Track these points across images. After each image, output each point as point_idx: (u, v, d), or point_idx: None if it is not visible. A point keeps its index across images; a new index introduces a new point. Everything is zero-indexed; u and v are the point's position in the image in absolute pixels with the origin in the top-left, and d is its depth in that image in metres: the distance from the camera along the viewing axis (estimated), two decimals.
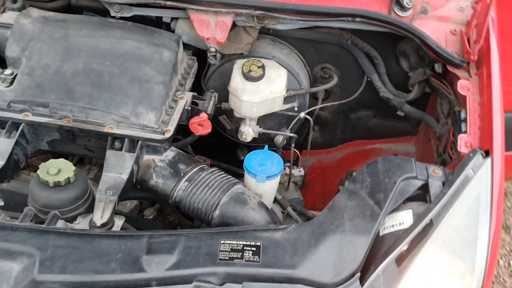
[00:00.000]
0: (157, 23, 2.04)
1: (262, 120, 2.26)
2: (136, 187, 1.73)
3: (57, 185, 1.47)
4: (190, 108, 1.83)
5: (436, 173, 1.59)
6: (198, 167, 1.72)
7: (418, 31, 1.86)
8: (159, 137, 1.66)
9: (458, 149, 1.68)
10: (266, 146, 1.83)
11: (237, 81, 1.95)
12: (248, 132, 2.02)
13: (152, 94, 1.73)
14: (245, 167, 1.73)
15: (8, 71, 1.73)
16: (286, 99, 2.14)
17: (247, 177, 1.75)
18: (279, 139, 2.20)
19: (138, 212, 1.99)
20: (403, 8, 1.94)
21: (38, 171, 1.47)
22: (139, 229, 1.68)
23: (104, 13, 1.99)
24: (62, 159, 1.52)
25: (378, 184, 1.57)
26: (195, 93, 1.90)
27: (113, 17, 1.96)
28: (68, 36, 1.81)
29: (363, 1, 1.93)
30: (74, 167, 1.52)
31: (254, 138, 2.09)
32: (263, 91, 1.94)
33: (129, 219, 1.69)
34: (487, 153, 1.61)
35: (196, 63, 2.04)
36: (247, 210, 1.60)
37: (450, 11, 2.00)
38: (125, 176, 1.58)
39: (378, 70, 2.26)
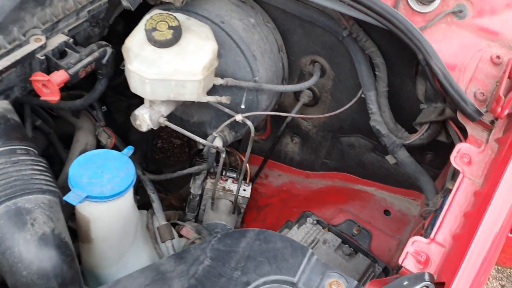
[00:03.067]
0: None
1: (193, 110, 1.60)
2: None
3: None
4: (44, 57, 1.22)
5: None
6: (10, 147, 1.12)
7: (416, 36, 1.08)
8: None
9: (399, 261, 0.92)
10: (129, 148, 1.19)
11: (135, 40, 1.30)
12: (144, 118, 1.38)
13: None
14: (69, 173, 1.11)
15: None
16: (223, 90, 1.46)
17: None
18: (210, 140, 1.53)
19: None
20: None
21: None
22: None
23: None
24: None
25: (218, 276, 0.87)
26: (71, 39, 1.29)
27: None
28: None
29: None
30: None
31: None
32: (163, 64, 1.27)
33: None
34: None
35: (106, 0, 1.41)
36: (20, 237, 0.99)
37: (505, 25, 1.17)
38: None
39: (377, 86, 1.49)
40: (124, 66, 1.38)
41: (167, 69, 1.26)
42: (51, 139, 1.65)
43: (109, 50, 1.34)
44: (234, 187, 1.79)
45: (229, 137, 1.59)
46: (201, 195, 1.78)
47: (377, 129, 1.49)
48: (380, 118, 1.49)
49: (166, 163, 2.32)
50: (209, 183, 1.76)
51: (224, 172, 1.82)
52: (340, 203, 1.87)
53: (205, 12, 1.43)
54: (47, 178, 1.11)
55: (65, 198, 1.06)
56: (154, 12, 1.31)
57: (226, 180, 1.81)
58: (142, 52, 1.27)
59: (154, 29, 1.26)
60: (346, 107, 1.56)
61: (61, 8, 1.30)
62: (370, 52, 1.46)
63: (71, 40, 1.30)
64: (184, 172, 1.74)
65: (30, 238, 0.99)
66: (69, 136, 1.69)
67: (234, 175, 1.83)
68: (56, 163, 1.63)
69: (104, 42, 1.35)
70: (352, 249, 1.63)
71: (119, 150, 1.70)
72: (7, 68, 1.16)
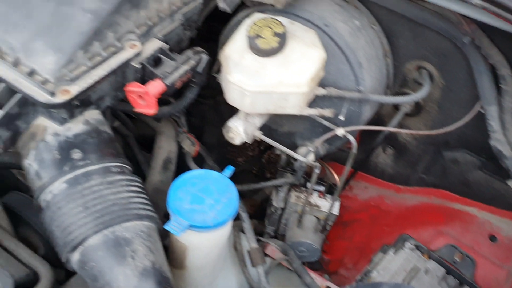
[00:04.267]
0: None
1: (285, 120, 1.47)
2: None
3: None
4: (140, 66, 1.12)
5: None
6: (104, 165, 1.03)
7: None
8: (42, 97, 0.99)
9: None
10: (230, 168, 1.07)
11: (235, 47, 1.17)
12: (238, 131, 1.25)
13: (67, 26, 1.05)
14: (168, 197, 1.00)
15: None
16: (321, 100, 1.32)
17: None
18: (303, 154, 1.39)
19: None
20: None
21: None
22: None
23: None
24: None
25: None
26: (166, 45, 1.18)
27: None
28: None
29: None
30: None
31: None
32: (267, 76, 1.14)
33: None
34: None
35: (202, 1, 1.30)
36: (119, 272, 0.89)
37: None
38: None
39: (501, 101, 1.30)
40: (216, 73, 1.26)
41: (271, 81, 1.13)
42: (129, 142, 1.57)
43: (204, 57, 1.22)
44: (320, 202, 1.65)
45: (322, 150, 1.45)
46: (283, 209, 1.65)
47: (498, 150, 1.31)
48: (503, 138, 1.30)
49: (235, 163, 2.21)
50: (293, 196, 1.63)
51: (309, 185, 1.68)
52: (439, 224, 1.69)
53: (307, 14, 1.29)
54: (144, 201, 1.01)
55: (166, 227, 0.95)
56: (256, 17, 1.18)
57: (312, 194, 1.67)
58: (243, 61, 1.15)
59: (258, 36, 1.13)
60: (461, 123, 1.38)
61: (155, 11, 1.19)
62: (495, 62, 1.27)
63: (166, 45, 1.19)
64: (269, 184, 1.61)
65: (131, 274, 0.89)
66: (146, 138, 1.61)
67: (321, 189, 1.68)
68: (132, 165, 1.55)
69: (199, 49, 1.23)
70: (457, 281, 1.46)
71: (202, 158, 1.63)
72: (103, 79, 1.06)
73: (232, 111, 1.31)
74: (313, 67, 1.15)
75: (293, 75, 1.14)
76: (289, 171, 1.63)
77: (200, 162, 1.62)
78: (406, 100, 1.42)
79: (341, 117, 1.36)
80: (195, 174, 1.04)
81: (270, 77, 1.13)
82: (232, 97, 1.19)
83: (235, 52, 1.16)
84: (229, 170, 1.07)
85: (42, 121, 1.07)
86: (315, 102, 1.33)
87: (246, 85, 1.13)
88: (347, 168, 1.40)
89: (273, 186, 1.63)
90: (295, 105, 1.19)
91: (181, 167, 1.62)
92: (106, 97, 1.14)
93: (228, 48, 1.18)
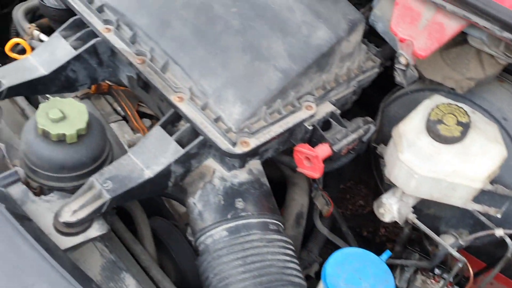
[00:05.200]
0: None
1: (433, 202, 1.40)
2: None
3: (60, 139, 0.98)
4: (312, 127, 1.13)
5: None
6: (263, 220, 1.04)
7: None
8: (224, 145, 1.03)
9: None
10: (387, 254, 1.03)
11: (411, 126, 1.14)
12: (391, 209, 1.22)
13: (257, 80, 1.08)
14: (323, 274, 0.98)
15: None
16: (481, 194, 1.24)
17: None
18: (448, 241, 1.32)
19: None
20: None
21: (36, 112, 0.99)
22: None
23: None
24: (71, 99, 1.02)
25: None
26: (338, 110, 1.18)
27: None
28: None
29: None
30: (87, 114, 1.01)
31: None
32: (441, 162, 1.10)
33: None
34: None
35: (378, 70, 1.29)
36: None
37: None
38: (149, 174, 1.01)
39: None
40: (375, 143, 1.24)
41: (444, 168, 1.09)
42: None
43: (372, 128, 1.20)
44: None
45: (465, 242, 1.37)
46: None
47: None
48: None
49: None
50: (419, 280, 1.54)
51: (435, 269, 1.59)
52: None
53: (486, 103, 1.23)
54: (297, 267, 1.00)
55: None
56: (438, 100, 1.15)
57: (439, 282, 1.57)
58: (418, 142, 1.12)
59: (440, 121, 1.09)
60: None
61: (335, 75, 1.20)
62: None
63: (338, 111, 1.19)
64: (397, 262, 1.54)
65: None
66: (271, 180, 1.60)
67: (447, 275, 1.58)
68: None
69: (369, 119, 1.22)
70: None
71: (335, 219, 1.58)
72: (279, 135, 1.08)
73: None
74: (493, 164, 1.09)
75: (470, 168, 1.09)
76: (417, 251, 1.56)
77: (329, 223, 1.59)
78: None
79: (498, 215, 1.27)
80: (353, 251, 1.01)
81: (444, 165, 1.09)
82: (397, 175, 1.16)
83: (411, 132, 1.13)
84: (387, 255, 1.04)
85: (211, 163, 1.11)
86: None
87: (417, 167, 1.10)
88: (495, 271, 1.31)
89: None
90: (462, 198, 1.13)
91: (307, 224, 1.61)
92: (270, 149, 1.16)
93: (404, 125, 1.15)
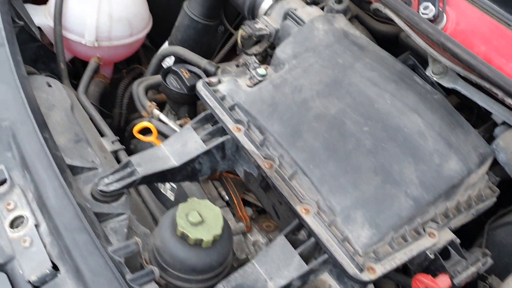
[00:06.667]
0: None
1: None
2: None
3: (197, 243, 1.01)
4: (433, 256, 1.12)
5: None
6: None
7: None
8: (351, 269, 1.02)
9: None
10: None
11: None
12: None
13: (388, 205, 1.09)
14: None
15: (261, 71, 1.35)
16: None
17: None
18: None
19: None
20: None
21: (176, 212, 1.02)
22: None
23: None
24: (207, 201, 1.05)
25: None
26: (458, 240, 1.16)
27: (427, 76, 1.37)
28: (350, 69, 1.31)
29: None
30: (221, 218, 1.03)
31: None
32: None
33: None
34: None
35: (495, 200, 1.28)
36: None
37: None
38: (272, 287, 1.02)
39: None
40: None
41: None
42: None
43: (489, 261, 1.17)
44: None
45: None
46: None
47: None
48: None
49: None
50: None
51: None
52: None
53: None
54: None
55: None
56: None
57: None
58: None
59: None
60: None
61: (457, 203, 1.19)
62: None
63: (458, 240, 1.17)
64: None
65: None
66: None
67: None
68: None
69: (487, 251, 1.20)
70: None
71: None
72: (403, 263, 1.07)
73: None
74: None
75: None
76: None
77: None
78: None
79: None
80: None
81: None
82: None
83: None
84: None
85: (327, 278, 1.10)
86: None
87: None
88: None
89: None
90: None
91: None
92: None
93: None
